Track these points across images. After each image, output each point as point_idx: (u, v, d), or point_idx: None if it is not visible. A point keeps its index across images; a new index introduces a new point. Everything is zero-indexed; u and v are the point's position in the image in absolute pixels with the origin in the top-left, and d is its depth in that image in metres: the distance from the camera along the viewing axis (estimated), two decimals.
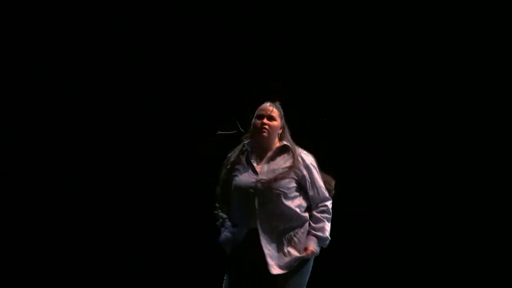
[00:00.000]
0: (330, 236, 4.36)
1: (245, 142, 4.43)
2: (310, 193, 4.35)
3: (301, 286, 4.28)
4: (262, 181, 4.24)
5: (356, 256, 10.37)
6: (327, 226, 4.31)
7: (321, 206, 4.24)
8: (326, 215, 4.24)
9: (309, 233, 4.22)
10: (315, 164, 4.45)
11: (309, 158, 4.44)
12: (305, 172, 4.36)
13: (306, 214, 4.25)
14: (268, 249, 4.22)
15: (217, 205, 4.46)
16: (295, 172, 4.32)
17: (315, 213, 4.24)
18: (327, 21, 10.83)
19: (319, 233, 4.22)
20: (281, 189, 4.25)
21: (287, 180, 4.28)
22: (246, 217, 4.26)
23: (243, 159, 4.37)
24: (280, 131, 4.48)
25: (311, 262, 4.42)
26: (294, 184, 4.31)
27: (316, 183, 4.26)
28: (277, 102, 4.58)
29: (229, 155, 4.51)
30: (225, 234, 4.32)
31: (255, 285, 4.30)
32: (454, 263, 10.16)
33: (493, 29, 10.54)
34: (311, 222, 4.22)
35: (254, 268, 4.26)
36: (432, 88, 10.70)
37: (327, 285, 9.18)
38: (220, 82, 10.76)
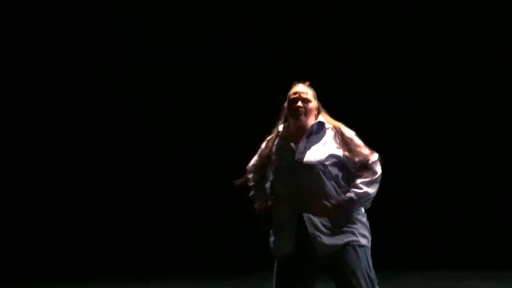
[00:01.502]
0: (373, 194, 4.32)
1: (280, 126, 4.38)
2: (351, 162, 4.19)
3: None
4: (299, 160, 4.13)
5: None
6: (364, 182, 4.21)
7: (360, 168, 4.20)
8: (363, 173, 4.19)
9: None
10: (355, 137, 4.30)
11: (350, 132, 4.30)
12: (344, 146, 4.22)
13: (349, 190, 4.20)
14: (314, 229, 4.14)
15: (252, 182, 4.33)
16: (334, 149, 4.21)
17: (354, 175, 4.21)
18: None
19: (355, 189, 4.16)
20: (319, 167, 4.13)
21: (325, 157, 4.16)
22: (289, 197, 4.16)
23: (281, 141, 4.30)
24: (315, 112, 4.37)
25: (365, 251, 4.48)
26: (334, 160, 4.17)
27: (355, 151, 4.18)
28: (307, 83, 4.48)
29: (268, 138, 4.41)
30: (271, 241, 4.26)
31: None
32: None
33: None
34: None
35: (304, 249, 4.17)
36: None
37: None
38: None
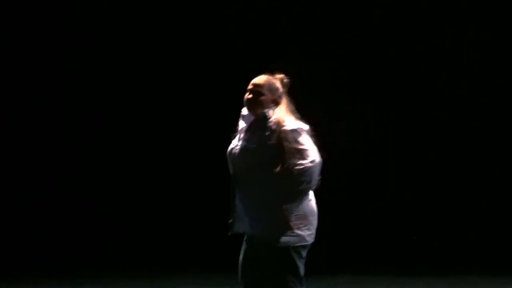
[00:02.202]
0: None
1: (241, 115, 4.20)
2: (285, 164, 3.98)
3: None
4: (236, 154, 4.06)
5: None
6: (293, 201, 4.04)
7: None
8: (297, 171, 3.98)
9: None
10: (298, 139, 4.06)
11: (293, 133, 4.06)
12: (280, 145, 4.02)
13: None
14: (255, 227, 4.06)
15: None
16: (269, 146, 4.02)
17: None
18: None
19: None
20: (252, 162, 4.03)
21: (257, 155, 4.03)
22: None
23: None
24: (272, 104, 4.19)
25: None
26: (267, 159, 4.00)
27: (288, 155, 3.97)
28: (278, 75, 4.35)
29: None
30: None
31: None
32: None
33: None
34: None
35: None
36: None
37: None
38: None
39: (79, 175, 11.07)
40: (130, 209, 10.97)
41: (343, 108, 10.91)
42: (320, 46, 10.88)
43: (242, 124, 4.20)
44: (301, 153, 4.05)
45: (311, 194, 4.28)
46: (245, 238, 4.16)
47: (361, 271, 9.32)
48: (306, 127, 4.22)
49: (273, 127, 4.06)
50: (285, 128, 4.05)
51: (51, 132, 11.00)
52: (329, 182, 11.08)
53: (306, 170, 4.06)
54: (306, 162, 4.06)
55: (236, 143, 4.15)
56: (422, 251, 10.30)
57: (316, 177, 4.19)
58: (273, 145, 4.00)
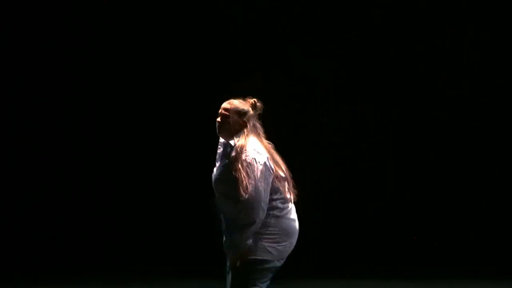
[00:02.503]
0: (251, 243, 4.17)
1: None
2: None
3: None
4: (212, 180, 4.26)
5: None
6: (237, 233, 4.12)
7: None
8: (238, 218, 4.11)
9: None
10: (250, 166, 4.12)
11: (247, 159, 4.14)
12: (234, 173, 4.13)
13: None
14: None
15: None
16: (231, 175, 4.14)
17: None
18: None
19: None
20: (219, 190, 4.21)
21: (223, 180, 4.19)
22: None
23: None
24: (238, 128, 4.29)
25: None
26: (229, 184, 4.13)
27: (236, 184, 4.08)
28: (249, 99, 4.42)
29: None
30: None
31: None
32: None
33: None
34: None
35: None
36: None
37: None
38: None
39: (79, 175, 11.06)
40: (130, 209, 10.96)
41: (343, 108, 10.92)
42: (320, 46, 10.89)
43: (219, 150, 4.35)
44: (243, 185, 4.09)
45: (282, 214, 4.33)
46: None
47: (361, 271, 9.32)
48: (263, 159, 4.20)
49: (234, 155, 4.15)
50: (242, 157, 4.13)
51: (51, 132, 11.00)
52: (329, 182, 11.22)
53: (242, 204, 4.09)
54: (243, 196, 4.08)
55: (214, 170, 4.29)
56: (422, 251, 10.30)
57: (250, 212, 4.08)
58: (233, 174, 4.12)
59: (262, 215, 4.13)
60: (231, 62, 10.81)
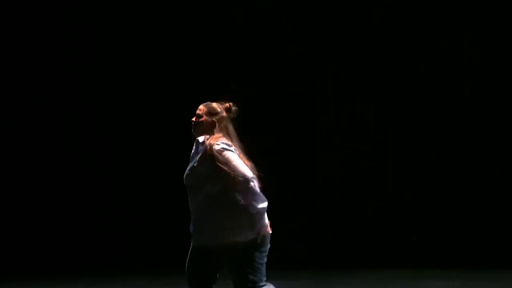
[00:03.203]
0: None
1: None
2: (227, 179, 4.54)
3: None
4: (186, 173, 4.67)
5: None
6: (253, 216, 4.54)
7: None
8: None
9: None
10: (218, 156, 4.50)
11: (217, 150, 4.53)
12: (214, 165, 4.53)
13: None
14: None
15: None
16: (204, 164, 4.58)
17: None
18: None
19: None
20: (195, 179, 4.62)
21: (198, 170, 4.59)
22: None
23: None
24: (210, 127, 4.67)
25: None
26: (204, 173, 4.57)
27: (225, 172, 4.49)
28: (226, 103, 4.74)
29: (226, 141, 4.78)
30: None
31: None
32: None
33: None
34: None
35: None
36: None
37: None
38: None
39: (79, 175, 11.07)
40: (130, 209, 10.97)
41: (343, 108, 10.93)
42: (320, 46, 10.90)
43: (194, 148, 4.73)
44: (234, 168, 4.47)
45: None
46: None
47: (361, 271, 9.33)
48: (231, 148, 4.57)
49: (205, 149, 4.56)
50: (213, 150, 4.51)
51: (51, 132, 11.01)
52: (329, 182, 11.22)
53: (244, 182, 4.47)
54: (241, 175, 4.46)
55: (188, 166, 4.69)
56: (422, 251, 10.30)
57: (250, 193, 4.49)
58: (207, 165, 4.53)
59: (257, 187, 4.51)
60: (231, 62, 10.82)
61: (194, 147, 4.70)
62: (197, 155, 4.61)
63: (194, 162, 4.60)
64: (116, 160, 11.10)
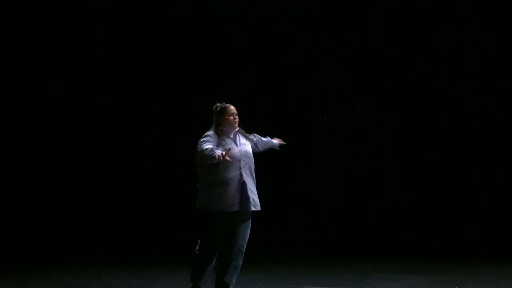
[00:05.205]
0: None
1: (220, 128, 6.30)
2: (258, 143, 6.59)
3: None
4: (242, 150, 6.30)
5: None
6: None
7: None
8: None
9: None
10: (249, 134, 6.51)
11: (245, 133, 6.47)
12: (251, 137, 6.51)
13: None
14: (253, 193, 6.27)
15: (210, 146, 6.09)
16: (250, 141, 6.48)
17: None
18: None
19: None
20: (250, 155, 6.35)
21: (249, 147, 6.39)
22: (234, 173, 6.21)
23: (223, 137, 6.29)
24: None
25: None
26: (251, 148, 6.44)
27: (257, 138, 6.58)
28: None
29: (207, 133, 6.27)
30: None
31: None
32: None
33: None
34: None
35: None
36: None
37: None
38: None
39: (79, 174, 11.08)
40: (130, 208, 10.97)
41: (343, 108, 10.94)
42: (320, 46, 10.91)
43: (221, 133, 6.39)
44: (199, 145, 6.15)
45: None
46: None
47: (361, 270, 9.32)
48: (210, 133, 6.31)
49: (240, 132, 6.49)
50: (242, 131, 6.48)
51: (51, 132, 11.01)
52: (329, 182, 11.20)
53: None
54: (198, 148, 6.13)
55: (231, 144, 6.37)
56: (422, 251, 10.31)
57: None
58: (249, 139, 6.58)
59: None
60: (231, 62, 10.82)
61: (226, 134, 6.29)
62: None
63: (244, 143, 6.38)
64: (116, 160, 11.10)
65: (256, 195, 6.23)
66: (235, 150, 6.22)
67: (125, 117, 11.16)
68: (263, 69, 10.93)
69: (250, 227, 6.17)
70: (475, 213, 10.47)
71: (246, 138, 6.43)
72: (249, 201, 6.14)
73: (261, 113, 10.51)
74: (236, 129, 6.34)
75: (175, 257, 10.28)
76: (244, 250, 6.17)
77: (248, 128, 6.55)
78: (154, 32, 11.08)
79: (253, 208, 6.17)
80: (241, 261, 6.16)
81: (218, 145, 6.15)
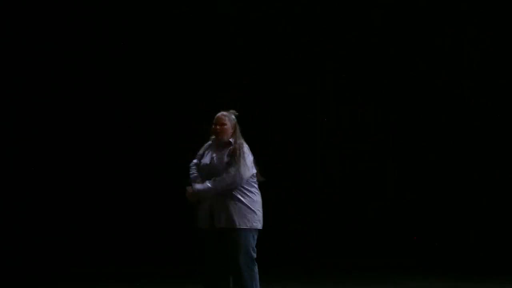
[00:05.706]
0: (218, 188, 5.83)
1: (211, 139, 6.12)
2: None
3: None
4: (204, 163, 6.01)
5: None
6: (216, 180, 5.83)
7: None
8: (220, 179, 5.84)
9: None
10: (242, 153, 5.88)
11: (242, 149, 5.90)
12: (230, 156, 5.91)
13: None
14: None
15: (193, 167, 6.15)
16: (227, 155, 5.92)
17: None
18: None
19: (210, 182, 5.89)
20: (218, 166, 5.91)
21: (221, 161, 5.90)
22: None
23: (209, 148, 6.11)
24: (232, 130, 6.00)
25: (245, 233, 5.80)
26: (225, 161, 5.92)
27: (231, 162, 5.87)
28: (231, 111, 6.07)
29: (205, 144, 6.15)
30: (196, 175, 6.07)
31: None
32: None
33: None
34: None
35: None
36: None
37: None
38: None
39: (79, 174, 11.08)
40: (130, 209, 10.97)
41: (343, 108, 10.94)
42: (320, 46, 10.91)
43: (211, 143, 6.17)
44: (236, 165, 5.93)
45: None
46: None
47: (361, 270, 9.34)
48: (208, 143, 6.17)
49: (232, 146, 5.98)
50: (238, 146, 5.96)
51: (51, 132, 11.01)
52: (330, 182, 11.21)
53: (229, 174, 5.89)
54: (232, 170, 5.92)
55: (208, 155, 6.15)
56: (422, 251, 10.32)
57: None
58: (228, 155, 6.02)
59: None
60: (231, 62, 10.83)
61: (213, 145, 6.04)
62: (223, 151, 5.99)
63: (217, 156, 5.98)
64: (116, 160, 11.10)
65: (227, 211, 5.74)
66: (204, 161, 6.04)
67: (125, 117, 11.16)
68: (263, 69, 10.93)
69: (234, 245, 5.67)
70: (475, 213, 10.48)
71: (229, 152, 5.89)
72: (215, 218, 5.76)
73: (261, 113, 10.52)
74: (223, 139, 5.93)
75: (175, 257, 10.29)
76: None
77: (247, 128, 6.26)
78: (154, 32, 11.08)
79: (218, 225, 5.73)
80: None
81: (202, 156, 6.11)
